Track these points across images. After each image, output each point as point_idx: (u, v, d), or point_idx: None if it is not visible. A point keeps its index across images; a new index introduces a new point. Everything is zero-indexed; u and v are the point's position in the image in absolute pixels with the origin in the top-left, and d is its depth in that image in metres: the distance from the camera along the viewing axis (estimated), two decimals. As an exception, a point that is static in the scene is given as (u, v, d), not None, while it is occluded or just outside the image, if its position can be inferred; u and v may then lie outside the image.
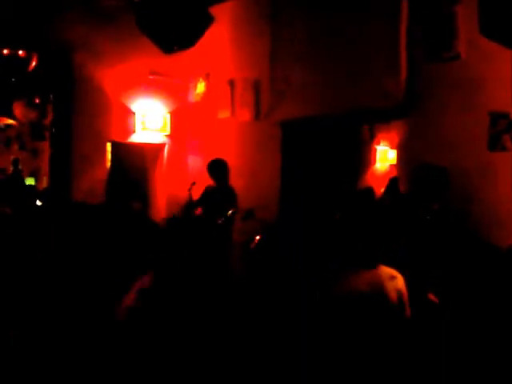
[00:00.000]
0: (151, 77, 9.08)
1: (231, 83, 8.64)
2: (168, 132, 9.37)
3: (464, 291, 3.59)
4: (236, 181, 7.73)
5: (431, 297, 4.12)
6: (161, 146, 9.48)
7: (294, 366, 3.11)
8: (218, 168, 7.49)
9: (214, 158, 7.70)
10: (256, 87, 8.25)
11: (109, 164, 9.09)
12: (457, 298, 3.47)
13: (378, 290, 3.85)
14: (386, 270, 4.00)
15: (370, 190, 8.65)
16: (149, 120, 9.12)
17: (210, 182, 7.63)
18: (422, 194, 4.98)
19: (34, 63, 8.11)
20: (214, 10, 5.63)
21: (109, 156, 9.07)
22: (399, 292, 3.94)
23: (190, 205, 7.60)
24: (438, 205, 5.05)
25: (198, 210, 7.58)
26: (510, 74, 5.25)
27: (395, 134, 9.38)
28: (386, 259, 4.01)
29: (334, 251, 4.28)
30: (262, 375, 3.11)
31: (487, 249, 4.38)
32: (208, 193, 7.54)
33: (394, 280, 3.94)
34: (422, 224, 4.87)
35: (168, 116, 9.34)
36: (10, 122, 12.22)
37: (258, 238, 6.64)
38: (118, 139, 9.06)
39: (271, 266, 4.09)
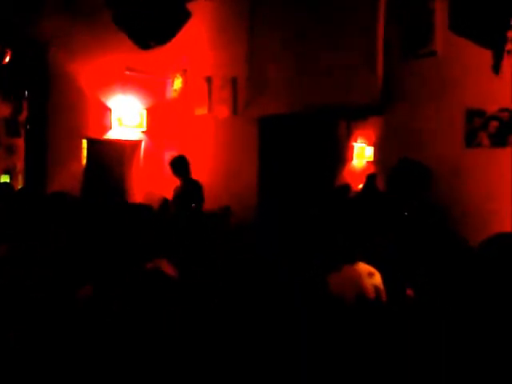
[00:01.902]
0: (127, 73, 9.02)
1: (208, 80, 8.61)
2: (145, 128, 9.31)
3: (442, 288, 3.60)
4: (214, 177, 7.73)
5: (409, 293, 4.14)
6: (137, 143, 9.42)
7: (277, 366, 3.10)
8: (179, 164, 7.76)
9: (178, 154, 7.96)
10: (233, 84, 8.23)
11: (85, 161, 9.01)
12: (437, 295, 3.48)
13: (357, 287, 3.88)
14: (364, 267, 4.02)
15: (346, 187, 8.69)
16: (125, 116, 9.05)
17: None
18: (403, 189, 4.99)
19: (7, 58, 8.00)
20: (192, 6, 5.59)
21: (85, 153, 8.99)
22: (377, 288, 3.97)
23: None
24: (416, 201, 5.06)
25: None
26: (486, 71, 5.28)
27: (372, 131, 9.44)
28: (370, 255, 4.03)
29: (314, 247, 4.30)
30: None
31: (462, 247, 4.40)
32: (178, 193, 7.72)
33: (372, 277, 3.97)
34: (400, 220, 4.89)
35: (145, 112, 9.28)
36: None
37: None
38: (93, 136, 8.98)
39: (248, 263, 4.08)
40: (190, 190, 7.57)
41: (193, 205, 7.45)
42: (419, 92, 5.93)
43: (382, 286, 3.96)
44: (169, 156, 9.27)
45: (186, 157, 7.80)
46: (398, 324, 3.43)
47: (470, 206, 5.32)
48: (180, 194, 7.64)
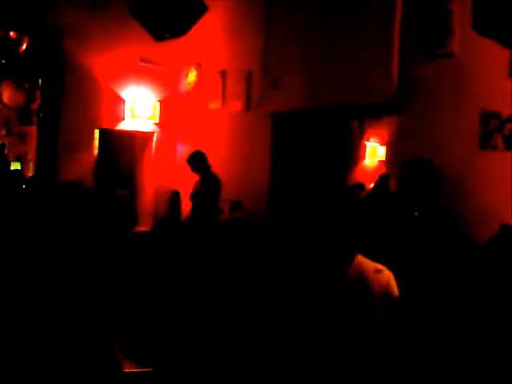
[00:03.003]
0: (142, 64, 9.01)
1: (223, 74, 8.59)
2: (157, 120, 9.30)
3: (448, 289, 3.57)
4: (226, 171, 7.73)
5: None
6: (150, 135, 9.42)
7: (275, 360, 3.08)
8: (197, 159, 7.88)
9: (195, 149, 8.08)
10: (248, 78, 8.21)
11: (96, 151, 9.02)
12: (443, 295, 3.46)
13: (362, 284, 3.83)
14: (371, 264, 3.97)
15: (360, 186, 8.67)
16: (138, 108, 9.04)
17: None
18: (411, 186, 4.95)
19: (24, 46, 8.02)
20: (208, 0, 5.57)
21: (97, 143, 9.00)
22: (385, 285, 3.90)
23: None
24: (424, 199, 5.03)
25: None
26: (503, 74, 5.24)
27: (385, 130, 9.40)
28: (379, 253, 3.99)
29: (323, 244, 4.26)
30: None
31: (472, 248, 4.36)
32: (197, 188, 7.78)
33: (381, 273, 3.92)
34: (409, 220, 4.86)
35: (158, 104, 9.27)
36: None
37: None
38: (106, 126, 8.99)
39: (260, 257, 4.08)
40: (208, 185, 7.62)
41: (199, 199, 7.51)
42: (434, 92, 5.89)
43: (391, 282, 3.87)
44: (181, 149, 9.29)
45: (203, 151, 7.80)
46: (405, 323, 3.41)
47: (483, 208, 5.28)
48: (199, 189, 7.68)
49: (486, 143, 5.41)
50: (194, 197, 7.75)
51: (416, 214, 4.97)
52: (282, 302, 3.56)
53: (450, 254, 4.48)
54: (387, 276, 3.89)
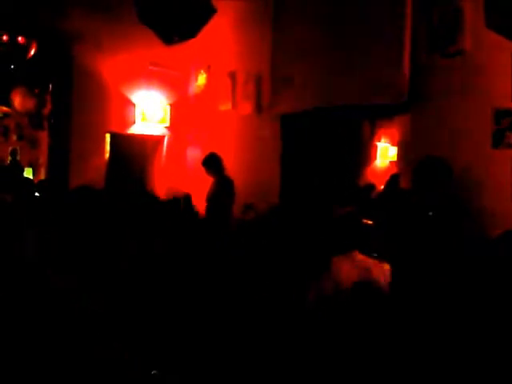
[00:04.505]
0: (151, 68, 9.01)
1: (232, 76, 8.58)
2: (168, 124, 9.31)
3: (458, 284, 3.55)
4: (236, 174, 7.71)
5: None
6: (160, 138, 9.43)
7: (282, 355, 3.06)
8: (211, 161, 7.80)
9: (210, 152, 7.99)
10: (257, 80, 8.20)
11: (108, 155, 9.04)
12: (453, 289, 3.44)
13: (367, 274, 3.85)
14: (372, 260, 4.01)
15: (371, 187, 8.63)
16: (149, 111, 9.06)
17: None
18: (424, 185, 4.94)
19: (33, 51, 8.04)
20: (217, 2, 5.56)
21: (108, 147, 9.02)
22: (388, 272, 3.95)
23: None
24: (432, 195, 5.01)
25: None
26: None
27: (396, 130, 9.35)
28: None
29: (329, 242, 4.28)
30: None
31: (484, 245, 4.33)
32: (211, 190, 7.79)
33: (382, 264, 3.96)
34: (424, 220, 4.83)
35: (168, 108, 9.28)
36: (8, 110, 12.14)
37: None
38: (117, 130, 9.01)
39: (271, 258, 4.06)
40: (223, 187, 7.63)
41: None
42: (446, 91, 5.84)
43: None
44: (192, 152, 9.29)
45: (217, 154, 7.85)
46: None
47: (497, 207, 5.23)
48: (215, 191, 7.70)
49: (498, 141, 5.36)
50: (211, 199, 7.75)
51: (430, 213, 4.96)
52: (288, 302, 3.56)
53: (463, 251, 4.45)
54: (387, 267, 3.93)
